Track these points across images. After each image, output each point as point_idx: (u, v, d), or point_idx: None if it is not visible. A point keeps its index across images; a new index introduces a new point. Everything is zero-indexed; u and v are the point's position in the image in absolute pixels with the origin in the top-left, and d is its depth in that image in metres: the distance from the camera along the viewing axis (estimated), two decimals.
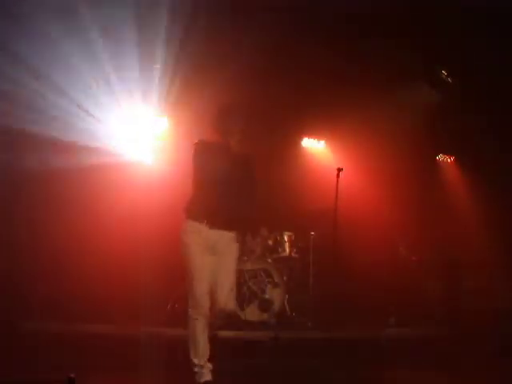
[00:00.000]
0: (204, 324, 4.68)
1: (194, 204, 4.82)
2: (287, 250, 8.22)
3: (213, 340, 4.83)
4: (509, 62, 7.72)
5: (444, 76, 9.01)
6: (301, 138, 9.89)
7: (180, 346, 6.12)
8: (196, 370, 4.65)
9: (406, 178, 9.25)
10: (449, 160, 10.46)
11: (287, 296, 7.86)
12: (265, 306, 7.64)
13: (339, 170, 7.00)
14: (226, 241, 4.83)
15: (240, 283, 7.66)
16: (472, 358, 6.15)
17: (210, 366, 4.66)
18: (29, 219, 7.48)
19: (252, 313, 7.59)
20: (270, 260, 8.00)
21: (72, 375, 3.38)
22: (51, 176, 7.52)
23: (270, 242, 8.23)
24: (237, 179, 4.81)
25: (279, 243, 8.23)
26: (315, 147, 9.93)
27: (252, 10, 7.09)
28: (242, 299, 7.61)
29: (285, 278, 7.89)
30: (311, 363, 5.42)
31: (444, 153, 10.39)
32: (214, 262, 4.76)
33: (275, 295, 7.73)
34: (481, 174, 9.37)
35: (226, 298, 4.74)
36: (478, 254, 9.14)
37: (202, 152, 4.84)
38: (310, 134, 9.85)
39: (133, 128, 8.37)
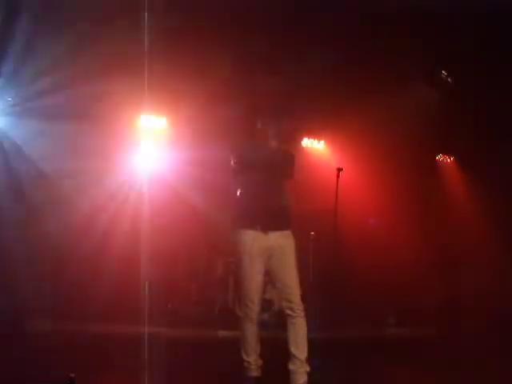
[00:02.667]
0: (255, 325, 4.81)
1: (243, 211, 4.81)
2: None
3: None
4: (509, 61, 7.72)
5: (444, 76, 9.01)
6: (301, 138, 9.89)
7: (180, 345, 6.15)
8: (246, 365, 4.83)
9: (406, 177, 9.25)
10: (449, 160, 10.46)
11: None
12: (265, 306, 7.64)
13: (339, 169, 6.98)
14: (282, 240, 4.81)
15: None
16: (472, 358, 6.15)
17: (260, 362, 4.84)
18: (29, 219, 7.48)
19: None
20: None
21: (72, 375, 3.38)
22: (52, 176, 7.53)
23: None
24: (279, 177, 4.84)
25: None
26: (315, 147, 9.93)
27: (252, 9, 7.09)
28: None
29: None
30: (311, 363, 5.39)
31: (444, 153, 10.39)
32: (274, 263, 4.78)
33: (275, 295, 7.71)
34: (481, 174, 9.37)
35: (294, 295, 4.76)
36: (478, 253, 9.14)
37: (243, 155, 4.83)
38: (310, 134, 9.85)
39: (133, 128, 8.39)
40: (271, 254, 4.77)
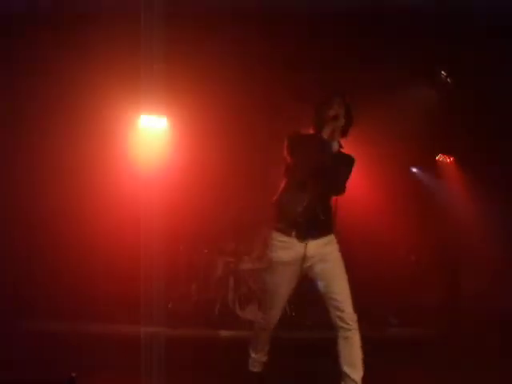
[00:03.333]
0: (270, 332, 4.61)
1: (281, 212, 4.32)
2: None
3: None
4: (509, 61, 7.72)
5: (444, 76, 9.00)
6: None
7: (180, 345, 6.15)
8: (250, 360, 4.77)
9: (405, 177, 9.25)
10: (449, 160, 10.46)
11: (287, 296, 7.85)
12: None
13: None
14: (323, 248, 4.31)
15: (240, 283, 7.67)
16: (472, 358, 6.15)
17: (264, 359, 4.74)
18: (28, 218, 7.48)
19: (252, 313, 7.59)
20: None
21: (73, 375, 3.39)
22: (51, 175, 7.53)
23: None
24: (332, 184, 4.27)
25: None
26: None
27: (251, 10, 7.09)
28: (242, 299, 7.61)
29: None
30: (311, 363, 5.41)
31: (444, 153, 10.38)
32: (316, 272, 4.31)
33: None
34: (481, 174, 9.37)
35: (345, 303, 4.27)
36: (478, 253, 9.14)
37: (296, 146, 4.26)
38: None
39: (132, 128, 8.39)
40: (312, 264, 4.29)
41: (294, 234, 4.25)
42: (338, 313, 4.22)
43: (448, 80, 9.00)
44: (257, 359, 4.77)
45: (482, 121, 8.87)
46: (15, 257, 7.20)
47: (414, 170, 10.11)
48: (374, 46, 7.81)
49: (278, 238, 4.32)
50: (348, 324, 4.21)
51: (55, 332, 6.32)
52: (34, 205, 7.47)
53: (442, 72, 8.99)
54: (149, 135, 8.51)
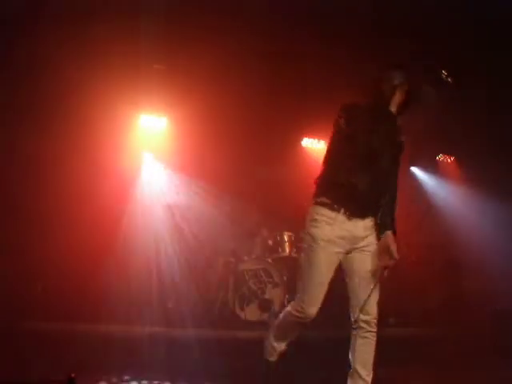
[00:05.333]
0: (303, 325, 4.17)
1: (329, 186, 3.94)
2: (287, 250, 8.22)
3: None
4: (509, 61, 7.72)
5: (444, 76, 8.99)
6: (301, 138, 9.89)
7: (180, 345, 6.15)
8: (268, 348, 4.39)
9: (405, 177, 9.25)
10: (449, 160, 10.46)
11: (287, 296, 7.85)
12: (265, 305, 7.64)
13: None
14: (370, 231, 3.98)
15: (240, 283, 7.67)
16: (472, 358, 6.15)
17: (284, 349, 4.38)
18: (28, 218, 7.48)
19: (252, 313, 7.59)
20: (269, 260, 8.00)
21: (73, 375, 3.38)
22: (50, 175, 7.53)
23: (270, 242, 8.24)
24: (388, 160, 4.08)
25: (279, 243, 8.24)
26: (315, 147, 9.92)
27: (253, 10, 7.09)
28: (242, 299, 7.61)
29: (285, 277, 7.88)
30: (311, 363, 5.40)
31: (444, 153, 10.38)
32: (353, 261, 4.02)
33: (275, 295, 7.72)
34: (481, 174, 9.37)
35: (371, 305, 4.03)
36: (478, 253, 9.14)
37: (358, 116, 3.99)
38: (310, 134, 9.85)
39: (132, 128, 8.40)
40: (352, 248, 3.97)
41: (342, 210, 3.90)
42: (365, 316, 4.01)
43: (448, 80, 8.99)
44: (277, 348, 4.38)
45: (481, 121, 8.87)
46: (15, 257, 7.19)
47: (414, 169, 10.12)
48: (374, 46, 7.81)
49: (323, 212, 3.92)
50: (371, 326, 4.03)
51: (55, 332, 6.31)
52: (33, 205, 7.47)
53: (442, 72, 8.98)
54: (149, 135, 8.51)
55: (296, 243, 8.26)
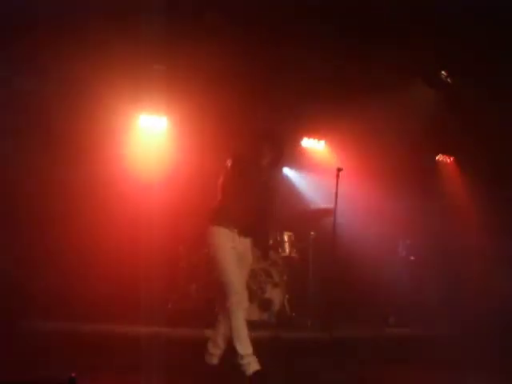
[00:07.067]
0: (244, 316, 4.93)
1: (225, 212, 5.11)
2: (287, 250, 8.22)
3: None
4: (509, 61, 7.72)
5: (444, 76, 9.01)
6: (301, 138, 9.89)
7: (180, 345, 6.15)
8: (243, 362, 4.83)
9: (405, 177, 9.25)
10: (449, 160, 10.47)
11: (287, 296, 7.86)
12: (265, 305, 7.64)
13: (339, 170, 6.98)
14: (248, 247, 5.22)
15: None
16: (472, 358, 6.15)
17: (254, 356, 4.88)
18: (28, 218, 7.48)
19: (252, 312, 7.57)
20: (270, 260, 7.99)
21: (73, 375, 3.38)
22: (50, 175, 7.53)
23: (270, 242, 8.23)
24: (262, 197, 5.21)
25: (279, 243, 8.23)
26: (315, 147, 9.93)
27: (252, 10, 7.10)
28: None
29: (285, 277, 7.89)
30: (311, 363, 5.41)
31: (444, 153, 10.39)
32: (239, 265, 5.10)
33: (275, 295, 7.73)
34: (481, 174, 9.37)
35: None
36: (478, 253, 9.14)
37: (239, 165, 5.13)
38: (310, 134, 9.85)
39: (132, 128, 8.40)
40: (239, 255, 5.12)
41: (236, 230, 5.08)
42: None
43: (448, 80, 9.01)
44: (251, 355, 4.91)
45: (481, 121, 8.88)
46: (15, 256, 7.20)
47: (414, 169, 10.11)
48: (374, 46, 7.82)
49: (223, 231, 5.06)
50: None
51: (54, 332, 6.31)
52: (34, 205, 7.47)
53: (442, 72, 9.00)
54: (149, 135, 8.51)
55: (296, 243, 8.26)
